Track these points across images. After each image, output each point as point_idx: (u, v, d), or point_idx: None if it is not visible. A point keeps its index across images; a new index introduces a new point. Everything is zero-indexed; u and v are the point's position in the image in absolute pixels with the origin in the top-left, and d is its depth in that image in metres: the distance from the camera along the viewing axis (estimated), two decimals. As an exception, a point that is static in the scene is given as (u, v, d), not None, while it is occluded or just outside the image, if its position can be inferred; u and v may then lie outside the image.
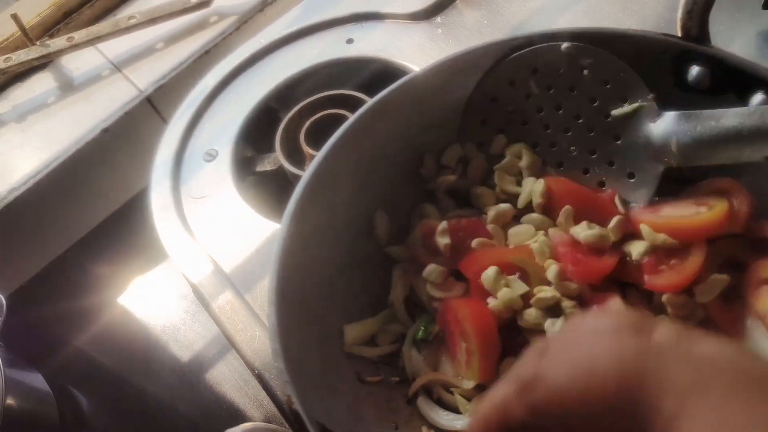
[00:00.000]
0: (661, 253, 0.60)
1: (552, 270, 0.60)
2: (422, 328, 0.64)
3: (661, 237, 0.59)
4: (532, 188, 0.65)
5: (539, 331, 0.59)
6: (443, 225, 0.65)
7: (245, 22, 1.10)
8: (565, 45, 0.65)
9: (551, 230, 0.64)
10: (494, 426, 0.41)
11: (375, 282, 0.67)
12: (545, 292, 0.59)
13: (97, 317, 1.03)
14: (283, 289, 0.59)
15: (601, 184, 0.66)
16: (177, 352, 0.97)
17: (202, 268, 0.81)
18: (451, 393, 0.62)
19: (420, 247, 0.67)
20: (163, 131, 0.95)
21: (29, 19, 1.11)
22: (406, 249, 0.68)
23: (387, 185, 0.70)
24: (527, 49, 0.66)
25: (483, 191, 0.68)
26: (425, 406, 0.61)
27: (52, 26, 1.14)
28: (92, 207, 1.08)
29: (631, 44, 0.64)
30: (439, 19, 0.97)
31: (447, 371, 0.62)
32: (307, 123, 0.91)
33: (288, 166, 0.89)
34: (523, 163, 0.68)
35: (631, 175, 0.65)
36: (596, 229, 0.61)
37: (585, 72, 0.65)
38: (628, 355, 0.37)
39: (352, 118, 0.67)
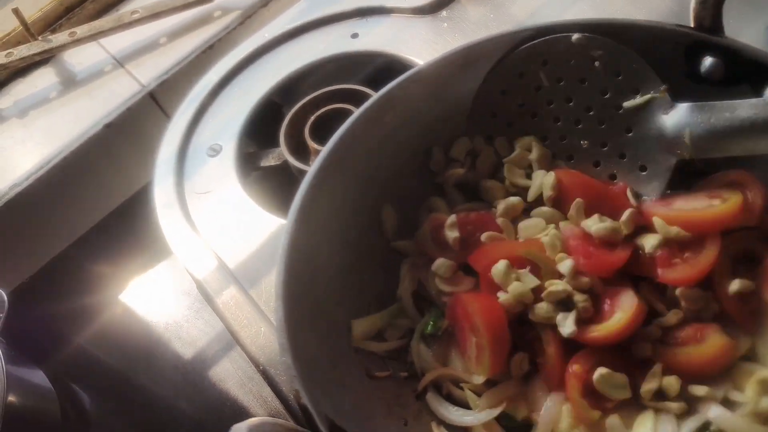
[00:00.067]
0: (674, 246, 0.59)
1: (566, 264, 0.59)
2: (431, 322, 0.63)
3: (675, 230, 0.58)
4: (543, 181, 0.64)
5: (550, 325, 0.58)
6: (452, 218, 0.64)
7: (249, 17, 1.09)
8: (576, 36, 0.64)
9: (562, 223, 0.63)
10: None
11: (383, 276, 0.66)
12: (557, 286, 0.58)
13: (100, 314, 1.03)
14: (290, 284, 0.58)
15: (612, 177, 0.65)
16: (180, 349, 0.96)
17: (206, 264, 0.80)
18: (461, 388, 0.61)
19: (429, 241, 0.66)
20: (165, 127, 0.94)
21: (31, 14, 1.11)
22: (414, 243, 0.67)
23: (395, 179, 0.69)
24: (537, 40, 0.65)
25: (492, 184, 0.67)
26: (435, 401, 0.61)
27: (54, 21, 1.13)
28: (94, 203, 1.07)
29: (642, 35, 0.63)
30: (444, 13, 0.97)
31: (457, 366, 0.61)
32: (312, 118, 0.90)
33: (293, 161, 0.88)
34: (533, 155, 0.67)
35: (643, 168, 0.64)
36: (608, 222, 0.60)
37: (596, 63, 0.64)
38: None
39: (359, 110, 0.66)
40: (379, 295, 0.66)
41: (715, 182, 0.61)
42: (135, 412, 0.94)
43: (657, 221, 0.59)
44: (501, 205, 0.65)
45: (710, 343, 0.56)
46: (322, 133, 0.86)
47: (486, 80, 0.68)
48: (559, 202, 0.64)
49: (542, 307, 0.58)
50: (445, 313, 0.63)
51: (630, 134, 0.64)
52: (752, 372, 0.55)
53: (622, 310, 0.57)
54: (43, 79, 1.11)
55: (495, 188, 0.67)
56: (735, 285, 0.57)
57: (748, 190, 0.59)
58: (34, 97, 1.09)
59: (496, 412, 0.58)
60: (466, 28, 0.94)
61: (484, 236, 0.63)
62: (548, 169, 0.66)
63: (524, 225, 0.64)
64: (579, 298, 0.58)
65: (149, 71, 1.07)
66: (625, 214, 0.61)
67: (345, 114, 0.65)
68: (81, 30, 1.07)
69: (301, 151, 0.90)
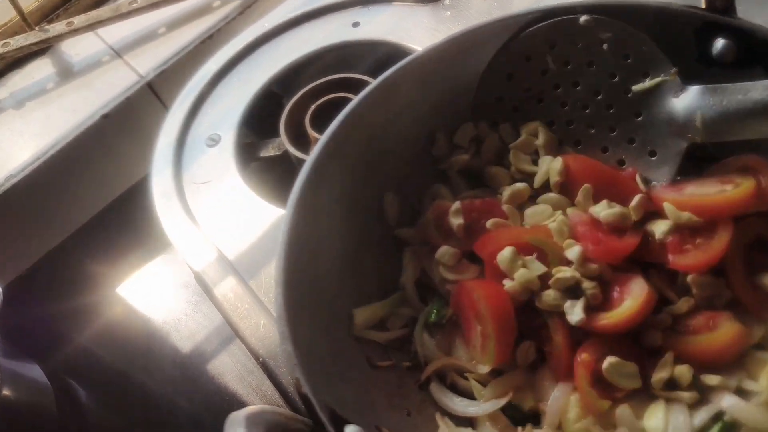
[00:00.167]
0: (685, 232, 0.57)
1: (574, 250, 0.57)
2: (434, 311, 0.62)
3: (686, 215, 0.57)
4: (550, 166, 0.63)
5: (558, 313, 0.57)
6: (456, 205, 0.63)
7: (249, 7, 1.08)
8: (583, 18, 0.62)
9: (569, 210, 0.61)
10: None
11: (385, 265, 0.65)
12: (565, 273, 0.57)
13: (96, 308, 1.01)
14: (290, 271, 0.56)
15: (621, 162, 0.64)
16: (178, 343, 0.95)
17: (205, 255, 0.79)
18: (466, 378, 0.59)
19: (432, 229, 0.64)
20: (164, 117, 0.93)
21: (28, 3, 1.10)
22: (417, 231, 0.66)
23: (397, 165, 0.67)
24: (544, 23, 0.64)
25: (498, 171, 0.66)
26: (438, 391, 0.59)
27: (51, 11, 1.12)
28: (92, 195, 1.06)
29: (652, 16, 0.61)
30: (447, 1, 0.95)
31: (461, 356, 0.60)
32: (313, 107, 0.89)
33: (293, 151, 0.87)
34: (540, 141, 0.65)
35: (652, 153, 0.62)
36: (617, 208, 0.59)
37: (604, 46, 0.62)
38: None
39: (361, 94, 0.65)
40: (381, 284, 0.64)
41: (727, 167, 0.60)
42: (132, 407, 0.93)
43: (668, 206, 0.58)
44: (507, 192, 0.64)
45: (723, 332, 0.55)
46: (322, 122, 0.84)
47: (491, 64, 0.66)
48: (567, 188, 0.63)
49: (549, 295, 0.57)
50: (448, 302, 0.62)
51: (639, 118, 0.62)
52: (766, 361, 0.54)
53: (632, 297, 0.55)
54: (39, 69, 1.10)
55: (500, 175, 0.66)
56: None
57: (761, 174, 0.58)
58: (31, 88, 1.07)
59: (502, 402, 0.57)
60: (470, 17, 0.92)
61: (489, 223, 0.62)
62: (555, 155, 0.64)
63: (530, 212, 0.62)
64: (587, 285, 0.56)
65: (147, 62, 1.06)
66: (635, 200, 0.59)
67: (346, 103, 0.64)
68: (78, 20, 1.05)
69: (302, 141, 0.89)
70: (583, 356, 0.55)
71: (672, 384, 0.54)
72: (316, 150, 0.62)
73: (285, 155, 0.90)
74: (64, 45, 1.10)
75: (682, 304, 0.56)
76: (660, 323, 0.56)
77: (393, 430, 0.54)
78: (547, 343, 0.58)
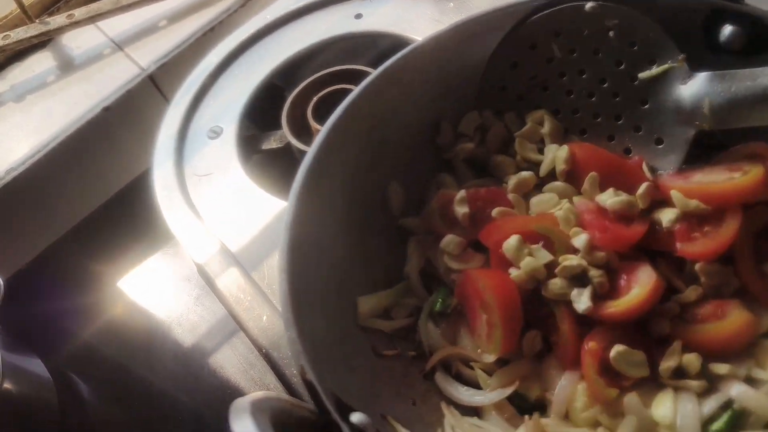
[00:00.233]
0: (693, 221, 0.57)
1: (581, 238, 0.57)
2: (439, 300, 0.61)
3: (693, 203, 0.56)
4: (556, 155, 0.62)
5: (564, 301, 0.56)
6: (462, 194, 0.62)
7: (250, -1, 1.07)
8: (589, 4, 0.62)
9: (576, 198, 0.61)
10: None
11: (389, 254, 0.64)
12: (571, 261, 0.56)
13: (98, 302, 1.01)
14: (294, 259, 0.55)
15: (627, 151, 0.63)
16: (180, 337, 0.94)
17: (208, 247, 0.78)
18: (471, 368, 0.59)
19: (437, 218, 0.64)
20: (165, 110, 0.92)
21: (29, -4, 1.09)
22: (422, 220, 0.65)
23: (401, 154, 0.66)
24: (549, 10, 0.63)
25: (503, 159, 0.65)
26: (443, 381, 0.58)
27: (51, 4, 1.11)
28: (93, 188, 1.05)
29: (659, 3, 0.61)
30: (450, -8, 0.94)
31: (466, 345, 0.59)
32: (315, 99, 0.88)
33: (295, 143, 0.86)
34: (545, 129, 0.65)
35: (659, 141, 0.61)
36: (623, 196, 0.58)
37: (610, 33, 0.62)
38: None
39: (364, 82, 0.64)
40: (385, 273, 0.64)
41: (735, 155, 0.59)
42: (134, 401, 0.92)
43: (675, 194, 0.57)
44: (512, 180, 0.63)
45: (731, 320, 0.54)
46: (324, 114, 0.83)
47: (496, 52, 0.66)
48: (573, 177, 0.62)
49: (556, 283, 0.56)
50: (453, 291, 0.61)
51: (646, 106, 0.62)
52: (776, 349, 0.53)
53: (640, 285, 0.55)
54: (40, 63, 1.09)
55: (506, 163, 0.65)
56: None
57: (770, 162, 0.57)
58: (32, 81, 1.07)
59: (508, 391, 0.56)
60: (473, 8, 0.92)
61: (495, 211, 0.61)
62: (561, 144, 0.64)
63: (536, 200, 0.62)
64: (594, 273, 0.56)
65: (149, 54, 1.05)
66: (642, 188, 0.59)
67: (348, 95, 0.64)
68: (79, 12, 1.05)
69: (304, 133, 0.88)
70: (590, 345, 0.54)
71: (680, 373, 0.54)
72: (318, 139, 0.61)
73: (287, 147, 0.90)
74: (64, 38, 1.10)
75: (690, 293, 0.56)
76: (668, 312, 0.56)
77: (398, 418, 0.53)
78: (553, 332, 0.57)
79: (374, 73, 0.64)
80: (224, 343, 0.91)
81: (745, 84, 0.56)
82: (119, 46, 1.07)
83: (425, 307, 0.62)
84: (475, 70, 0.67)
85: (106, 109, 1.00)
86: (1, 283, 0.83)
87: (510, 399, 0.56)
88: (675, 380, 0.53)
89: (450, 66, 0.66)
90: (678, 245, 0.56)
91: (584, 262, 0.56)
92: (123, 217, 1.04)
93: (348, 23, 0.96)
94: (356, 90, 0.64)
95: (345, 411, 0.48)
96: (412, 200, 0.67)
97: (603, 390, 0.53)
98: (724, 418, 0.51)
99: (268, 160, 0.92)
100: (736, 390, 0.52)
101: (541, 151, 0.65)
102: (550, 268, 0.57)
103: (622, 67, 0.62)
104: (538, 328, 0.58)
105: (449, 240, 0.62)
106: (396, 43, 0.92)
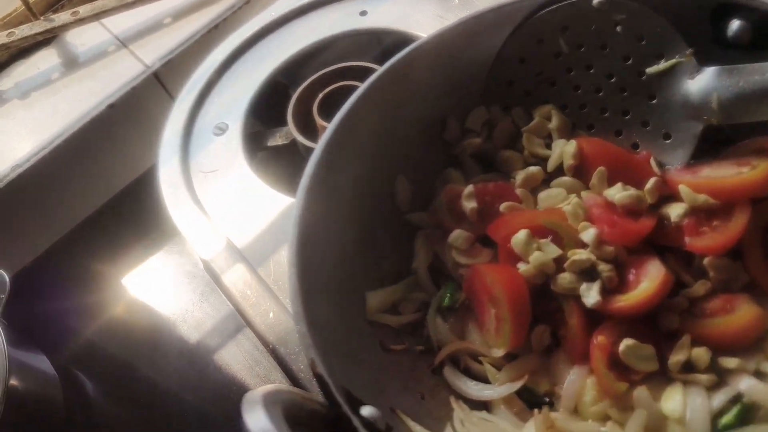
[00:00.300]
0: (701, 215, 0.56)
1: (589, 232, 0.56)
2: (447, 295, 0.61)
3: (702, 197, 0.56)
4: (563, 150, 0.62)
5: (573, 296, 0.56)
6: (469, 189, 0.62)
7: (255, -4, 1.07)
8: (597, 0, 0.62)
9: (584, 193, 0.61)
10: None
11: (397, 249, 0.64)
12: (580, 255, 0.56)
13: (102, 300, 1.01)
14: (303, 253, 0.55)
15: (635, 146, 0.63)
16: (185, 333, 0.95)
17: (214, 244, 0.78)
18: (479, 362, 0.59)
19: (445, 213, 0.64)
20: (170, 107, 0.92)
21: (33, -7, 1.09)
22: (429, 215, 0.65)
23: (408, 150, 0.67)
24: (557, 5, 0.63)
25: (510, 155, 0.65)
26: (452, 375, 0.58)
27: (56, 1, 1.11)
28: (97, 186, 1.05)
29: (666, -2, 0.61)
30: (455, -11, 0.95)
31: (474, 340, 0.59)
32: (320, 96, 0.89)
33: (301, 139, 0.86)
34: (553, 124, 0.65)
35: (667, 136, 0.61)
36: (632, 191, 0.58)
37: (618, 28, 0.62)
38: None
39: (371, 78, 0.64)
40: (393, 268, 0.64)
41: (743, 149, 0.59)
42: (139, 398, 0.92)
43: (683, 189, 0.57)
44: (520, 176, 0.63)
45: (740, 314, 0.54)
46: (330, 111, 0.84)
47: (503, 48, 0.66)
48: (580, 172, 0.62)
49: (565, 278, 0.56)
50: (461, 286, 0.61)
51: (653, 101, 0.62)
52: (785, 343, 0.53)
53: (649, 279, 0.55)
54: (45, 60, 1.09)
55: (513, 158, 0.65)
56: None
57: (778, 156, 0.57)
58: (36, 78, 1.07)
59: (517, 385, 0.56)
60: (477, 4, 0.92)
61: (503, 206, 0.61)
62: (568, 139, 0.64)
63: (544, 195, 0.62)
64: (603, 267, 0.56)
65: (153, 51, 1.05)
66: (650, 183, 0.59)
67: (354, 91, 0.64)
68: (84, 9, 1.05)
69: (309, 130, 0.88)
70: (599, 339, 0.54)
71: (689, 367, 0.54)
72: (326, 134, 0.61)
73: (292, 144, 0.90)
74: (69, 35, 1.10)
75: (699, 287, 0.56)
76: (677, 306, 0.56)
77: (407, 412, 0.53)
78: (562, 326, 0.57)
79: (382, 69, 0.64)
80: (229, 340, 0.91)
81: (754, 78, 0.56)
82: (124, 43, 1.07)
83: (433, 302, 0.62)
84: (482, 65, 0.67)
85: (111, 107, 1.00)
86: (7, 279, 0.84)
87: (519, 393, 0.57)
88: (684, 374, 0.54)
89: (457, 62, 0.66)
90: (686, 240, 0.56)
91: (593, 257, 0.56)
92: (127, 214, 1.04)
93: (352, 20, 0.96)
94: (364, 86, 0.64)
95: (355, 404, 0.48)
96: (420, 195, 0.67)
97: (612, 384, 0.53)
98: (734, 411, 0.51)
99: (273, 156, 0.92)
100: (746, 384, 0.52)
101: (548, 146, 0.65)
102: (558, 263, 0.57)
103: (630, 62, 0.62)
104: (547, 323, 0.58)
105: (457, 235, 0.62)
106: (401, 39, 0.93)
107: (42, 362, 0.91)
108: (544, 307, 0.58)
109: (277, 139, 0.92)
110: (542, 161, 0.65)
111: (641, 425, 0.52)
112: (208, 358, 0.92)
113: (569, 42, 0.64)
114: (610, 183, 0.60)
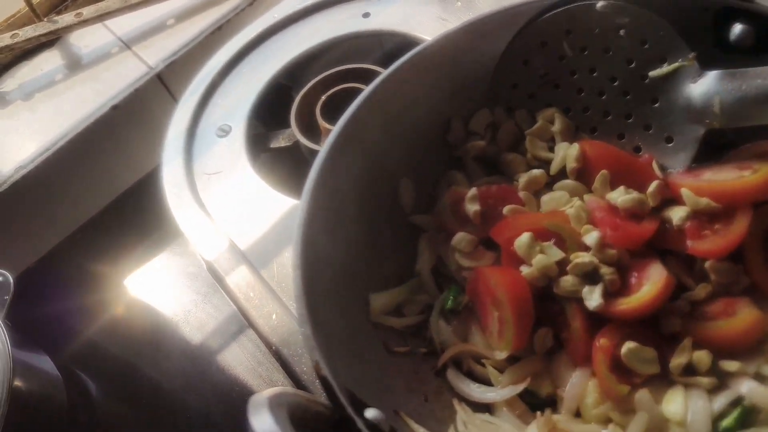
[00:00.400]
0: (703, 218, 0.57)
1: (592, 235, 0.57)
2: (451, 298, 0.62)
3: (704, 201, 0.56)
4: (566, 153, 0.63)
5: (576, 299, 0.56)
6: (473, 191, 0.63)
7: (258, -2, 1.08)
8: (600, 3, 0.62)
9: (586, 196, 0.61)
10: None
11: (401, 251, 0.65)
12: (583, 258, 0.56)
13: (105, 301, 1.01)
14: (307, 255, 0.56)
15: (637, 149, 0.64)
16: (188, 334, 0.95)
17: (217, 245, 0.79)
18: (482, 365, 0.59)
19: (448, 215, 0.64)
20: (173, 109, 0.93)
21: (37, -6, 1.09)
22: (433, 217, 0.66)
23: (412, 152, 0.67)
24: (561, 8, 0.63)
25: (514, 157, 0.66)
26: (455, 378, 0.59)
27: (60, 2, 1.11)
28: (101, 187, 1.06)
29: (669, 2, 0.61)
30: (458, -9, 0.95)
31: (477, 342, 0.60)
32: (323, 97, 0.89)
33: (304, 141, 0.87)
34: (556, 127, 0.65)
35: (669, 140, 0.62)
36: (634, 194, 0.59)
37: (621, 32, 0.62)
38: None
39: (376, 81, 0.64)
40: (397, 270, 0.64)
41: (745, 153, 0.59)
42: (142, 399, 0.92)
43: (685, 192, 0.57)
44: (523, 178, 0.63)
45: (741, 317, 0.55)
46: (333, 113, 0.85)
47: (507, 50, 0.66)
48: (583, 175, 0.62)
49: (567, 281, 0.57)
50: (464, 289, 0.62)
51: (656, 105, 0.62)
52: (786, 346, 0.53)
53: (651, 282, 0.55)
54: (48, 61, 1.09)
55: (516, 161, 0.66)
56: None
57: (780, 160, 0.57)
58: (40, 80, 1.07)
59: (520, 388, 0.56)
60: (480, 7, 0.92)
61: (506, 209, 0.62)
62: (571, 142, 0.64)
63: (547, 198, 0.62)
64: (606, 270, 0.56)
65: (157, 53, 1.06)
66: (652, 186, 0.59)
67: (357, 93, 0.64)
68: (87, 11, 1.05)
69: (312, 132, 0.89)
70: (601, 341, 0.54)
71: (690, 369, 0.54)
72: (331, 137, 0.62)
73: (295, 146, 0.90)
74: (72, 36, 1.10)
75: (700, 291, 0.56)
76: (678, 309, 0.56)
77: (410, 414, 0.53)
78: (564, 329, 0.57)
79: (386, 72, 0.65)
80: (232, 341, 0.92)
81: (756, 82, 0.56)
82: (127, 44, 1.08)
83: (436, 305, 0.62)
84: (486, 68, 0.67)
85: (114, 108, 1.01)
86: (11, 280, 0.84)
87: (521, 396, 0.57)
88: (685, 377, 0.54)
89: (461, 64, 0.66)
90: (688, 243, 0.56)
91: (595, 260, 0.56)
92: (131, 215, 1.04)
93: (355, 22, 0.96)
94: (368, 88, 0.64)
95: (359, 406, 0.48)
96: (423, 198, 0.67)
97: (614, 386, 0.53)
98: (734, 414, 0.52)
99: (276, 158, 0.92)
100: (746, 387, 0.52)
101: (551, 149, 0.65)
102: (561, 266, 0.57)
103: (633, 65, 0.62)
104: (549, 326, 0.58)
105: (460, 237, 0.62)
106: (403, 42, 0.93)
107: (45, 363, 0.91)
108: (546, 309, 0.58)
109: (280, 141, 0.92)
110: (545, 164, 0.65)
111: (643, 428, 0.52)
112: (211, 359, 0.92)
113: (573, 45, 0.64)
114: (613, 186, 0.60)
